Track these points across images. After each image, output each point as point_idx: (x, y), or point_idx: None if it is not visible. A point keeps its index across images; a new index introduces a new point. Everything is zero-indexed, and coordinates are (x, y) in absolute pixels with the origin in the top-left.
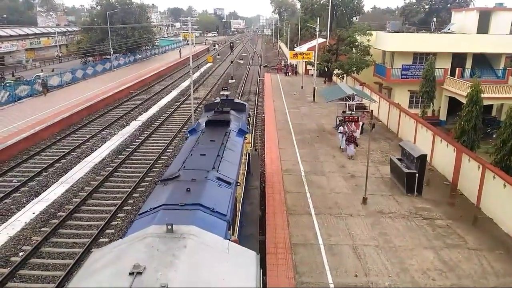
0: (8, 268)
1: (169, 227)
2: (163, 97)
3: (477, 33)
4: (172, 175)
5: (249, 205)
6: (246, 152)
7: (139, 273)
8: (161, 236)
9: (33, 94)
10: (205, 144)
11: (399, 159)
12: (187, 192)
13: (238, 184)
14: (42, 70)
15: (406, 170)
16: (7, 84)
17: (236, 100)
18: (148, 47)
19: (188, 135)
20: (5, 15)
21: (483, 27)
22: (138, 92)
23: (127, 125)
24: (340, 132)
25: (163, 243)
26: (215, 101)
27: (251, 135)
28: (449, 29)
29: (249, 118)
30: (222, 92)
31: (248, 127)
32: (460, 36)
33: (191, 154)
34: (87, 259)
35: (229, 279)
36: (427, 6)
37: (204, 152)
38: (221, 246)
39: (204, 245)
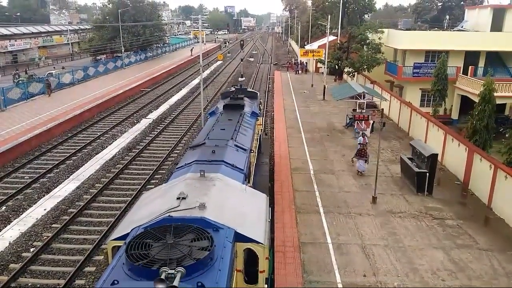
0: (20, 264)
1: (202, 173)
2: (173, 95)
3: (490, 30)
4: (199, 143)
5: (260, 177)
6: (258, 132)
7: (184, 198)
8: (196, 179)
9: (45, 92)
10: (224, 122)
11: (409, 158)
12: (213, 153)
13: (252, 151)
14: (54, 67)
15: (416, 170)
16: (20, 82)
17: (249, 89)
18: (159, 45)
19: (209, 117)
20: (18, 13)
21: (497, 24)
22: (149, 90)
23: (137, 122)
24: (360, 143)
25: (198, 183)
26: (231, 90)
27: (262, 119)
28: (462, 26)
29: (260, 105)
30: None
31: (259, 111)
32: (473, 34)
33: (213, 129)
34: (138, 198)
35: (246, 207)
36: (439, 4)
37: (223, 127)
38: (240, 187)
39: (228, 186)
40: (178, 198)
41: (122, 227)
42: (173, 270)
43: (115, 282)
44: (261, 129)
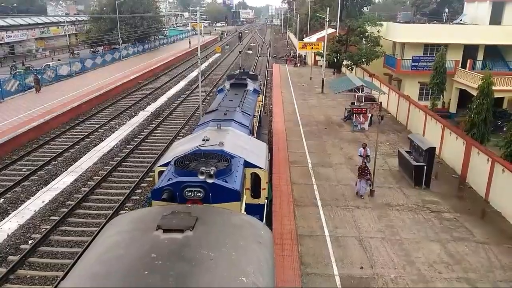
0: (18, 256)
1: (218, 126)
2: (171, 87)
3: (489, 24)
4: (213, 109)
5: None
6: (259, 105)
7: (207, 140)
8: (214, 130)
9: (42, 83)
10: (231, 96)
11: (407, 152)
12: (225, 114)
13: (255, 116)
14: (52, 59)
15: (414, 163)
16: (17, 73)
17: (251, 72)
18: (157, 37)
19: (217, 93)
20: (15, 4)
21: (496, 18)
22: (147, 82)
23: (135, 115)
24: (360, 155)
25: (217, 132)
26: (235, 73)
27: (262, 97)
28: (461, 20)
29: (260, 85)
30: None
31: (260, 89)
32: (472, 27)
33: (223, 100)
34: (170, 146)
35: (252, 148)
36: None
37: (231, 99)
38: (246, 136)
39: (238, 135)
40: (203, 140)
41: (164, 158)
42: (209, 169)
43: (170, 179)
44: (261, 105)
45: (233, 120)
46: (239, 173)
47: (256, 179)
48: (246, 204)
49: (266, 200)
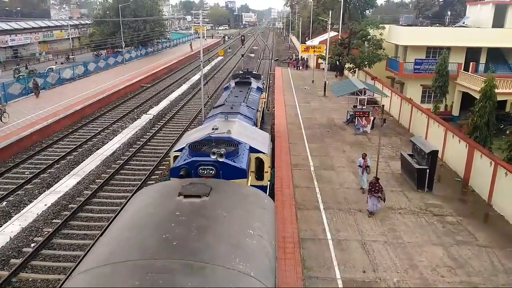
0: (21, 259)
1: (226, 117)
2: (174, 91)
3: (492, 27)
4: (220, 104)
5: None
6: (262, 103)
7: (217, 129)
8: (222, 121)
9: (45, 87)
10: (236, 93)
11: (410, 155)
12: (231, 108)
13: (258, 111)
14: (56, 62)
15: (417, 166)
16: (21, 77)
17: (254, 72)
18: (160, 40)
19: (224, 91)
20: (18, 8)
21: (498, 21)
22: (149, 85)
23: (138, 118)
24: (359, 166)
25: (224, 122)
26: (240, 72)
27: (265, 95)
28: (463, 22)
29: (263, 84)
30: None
31: (263, 87)
32: (475, 30)
33: (229, 96)
34: (182, 136)
35: (256, 136)
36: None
37: (236, 95)
38: (251, 127)
39: (244, 125)
40: (213, 129)
41: (178, 145)
42: (219, 150)
43: (185, 159)
44: (264, 102)
45: (239, 113)
46: (245, 156)
47: (260, 163)
48: (251, 185)
49: (269, 183)
